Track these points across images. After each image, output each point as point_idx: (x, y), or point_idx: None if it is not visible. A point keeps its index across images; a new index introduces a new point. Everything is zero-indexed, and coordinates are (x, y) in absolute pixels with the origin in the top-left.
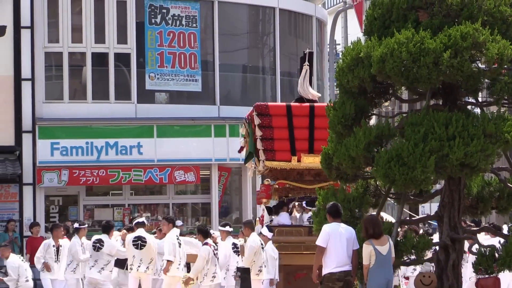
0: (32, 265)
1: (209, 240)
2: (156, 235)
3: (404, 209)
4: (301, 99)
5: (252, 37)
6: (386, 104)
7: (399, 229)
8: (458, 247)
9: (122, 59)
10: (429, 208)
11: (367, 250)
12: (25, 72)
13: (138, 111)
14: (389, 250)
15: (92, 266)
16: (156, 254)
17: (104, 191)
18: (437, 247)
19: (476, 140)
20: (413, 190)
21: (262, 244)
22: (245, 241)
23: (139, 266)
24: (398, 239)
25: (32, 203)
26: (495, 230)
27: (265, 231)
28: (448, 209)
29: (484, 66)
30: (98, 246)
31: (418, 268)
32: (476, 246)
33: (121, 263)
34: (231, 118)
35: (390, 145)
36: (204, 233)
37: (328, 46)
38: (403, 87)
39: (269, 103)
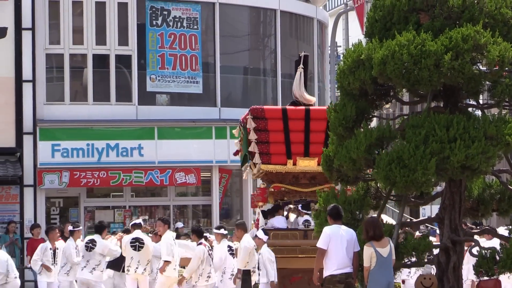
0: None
1: (203, 240)
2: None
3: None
4: (295, 103)
5: (253, 39)
6: (387, 106)
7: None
8: (458, 249)
9: (123, 61)
10: (429, 210)
11: (368, 252)
12: (26, 73)
13: (139, 113)
14: (390, 252)
15: (84, 267)
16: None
17: (104, 192)
18: (435, 250)
19: (477, 142)
20: (413, 192)
21: (255, 246)
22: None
23: (137, 268)
24: (399, 241)
25: (33, 205)
26: (495, 233)
27: (260, 233)
28: (449, 211)
29: (485, 68)
30: (90, 246)
31: (413, 273)
32: (476, 248)
33: (116, 265)
34: (232, 120)
35: (391, 147)
36: (198, 233)
37: (329, 48)
38: (404, 89)
39: (265, 107)
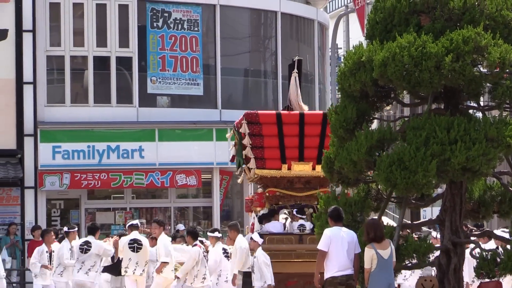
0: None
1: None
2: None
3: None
4: (289, 107)
5: (254, 41)
6: (388, 108)
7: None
8: (459, 251)
9: (124, 62)
10: (430, 212)
11: (369, 253)
12: (27, 75)
13: (139, 115)
14: (391, 254)
15: (80, 269)
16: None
17: (105, 194)
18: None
19: (478, 144)
20: (414, 194)
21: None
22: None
23: (135, 269)
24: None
25: (34, 207)
26: (496, 235)
27: (256, 236)
28: (450, 213)
29: (486, 70)
30: (85, 248)
31: (409, 275)
32: (477, 250)
33: (113, 270)
34: (232, 122)
35: (392, 149)
36: (193, 235)
37: (329, 50)
38: (404, 91)
39: (259, 111)
